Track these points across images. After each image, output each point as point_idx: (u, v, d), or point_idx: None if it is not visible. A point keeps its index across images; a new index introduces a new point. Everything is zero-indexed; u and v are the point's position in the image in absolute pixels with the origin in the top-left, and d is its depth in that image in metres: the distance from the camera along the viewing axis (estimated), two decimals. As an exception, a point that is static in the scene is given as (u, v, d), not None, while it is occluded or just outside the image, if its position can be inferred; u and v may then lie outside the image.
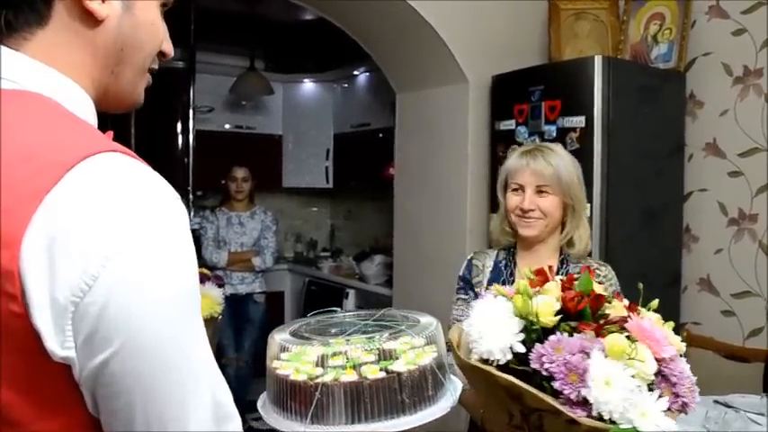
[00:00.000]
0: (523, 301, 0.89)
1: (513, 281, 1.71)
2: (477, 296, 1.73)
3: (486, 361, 0.89)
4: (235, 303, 3.59)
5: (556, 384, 0.83)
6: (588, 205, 2.11)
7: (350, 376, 0.80)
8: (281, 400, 0.83)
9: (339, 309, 1.00)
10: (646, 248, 2.67)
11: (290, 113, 5.06)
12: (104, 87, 0.70)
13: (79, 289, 0.54)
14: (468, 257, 1.82)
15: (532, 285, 0.96)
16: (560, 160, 1.67)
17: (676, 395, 0.87)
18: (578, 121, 2.49)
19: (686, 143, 2.80)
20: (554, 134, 2.57)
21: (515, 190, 1.69)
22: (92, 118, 0.68)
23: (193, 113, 4.07)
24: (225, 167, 3.98)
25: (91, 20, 0.65)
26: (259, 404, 0.90)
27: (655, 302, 1.02)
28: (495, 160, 2.88)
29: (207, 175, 4.23)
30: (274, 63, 4.92)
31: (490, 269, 1.75)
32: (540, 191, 1.65)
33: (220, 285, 2.11)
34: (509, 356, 0.88)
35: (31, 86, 0.63)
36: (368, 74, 4.56)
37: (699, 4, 2.73)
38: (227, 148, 4.51)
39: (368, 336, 0.86)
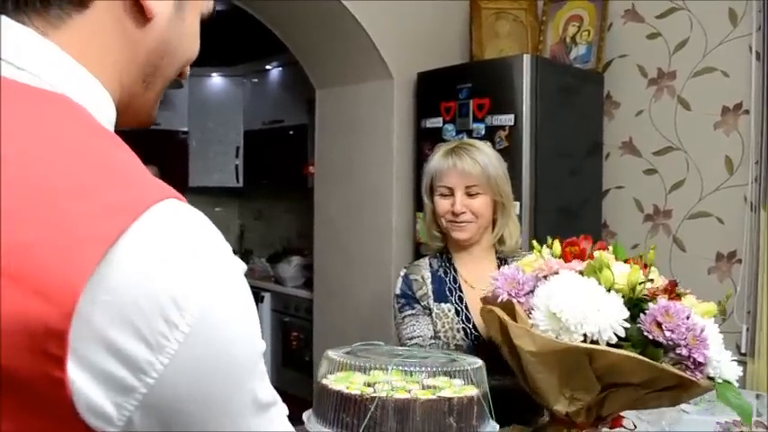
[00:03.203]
0: (633, 272, 0.92)
1: (459, 286, 1.65)
2: (427, 309, 1.64)
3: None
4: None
5: (684, 351, 0.86)
6: (516, 202, 2.10)
7: (402, 395, 0.83)
8: (331, 414, 0.85)
9: (383, 342, 1.05)
10: (566, 245, 2.73)
11: (196, 109, 4.80)
12: (129, 99, 0.57)
13: (151, 368, 0.44)
14: (402, 274, 1.71)
15: (567, 257, 0.96)
16: (486, 157, 1.61)
17: None
18: (507, 119, 2.50)
19: (604, 142, 2.89)
20: (483, 132, 2.57)
21: (444, 194, 1.62)
22: None
23: (92, 107, 3.77)
24: (128, 166, 3.71)
25: (140, 15, 0.53)
26: (305, 417, 0.92)
27: (651, 254, 1.06)
28: (421, 158, 2.84)
29: (108, 174, 3.94)
30: (179, 55, 4.66)
31: (429, 280, 1.66)
32: (469, 192, 1.59)
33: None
34: (622, 333, 0.89)
35: (60, 86, 0.50)
36: (281, 68, 4.41)
37: (615, 6, 2.82)
38: (128, 145, 4.19)
39: (407, 370, 0.90)
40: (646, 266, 0.98)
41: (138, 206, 0.45)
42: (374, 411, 0.80)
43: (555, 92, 2.61)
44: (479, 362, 0.93)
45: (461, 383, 0.87)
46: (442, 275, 1.66)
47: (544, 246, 1.18)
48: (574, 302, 0.90)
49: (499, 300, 1.03)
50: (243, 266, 0.52)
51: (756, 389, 2.23)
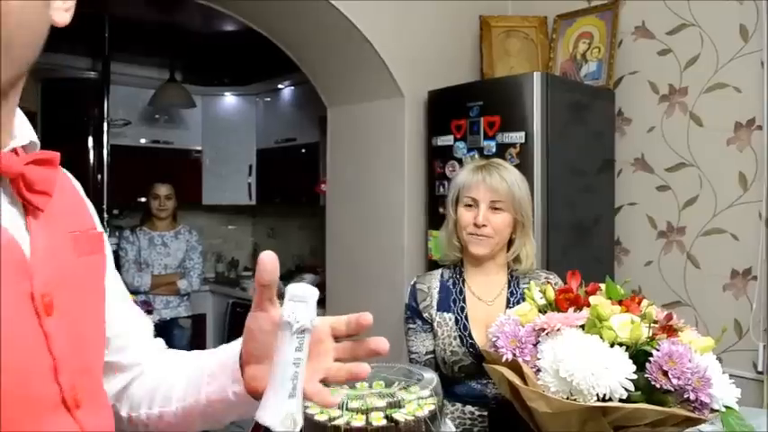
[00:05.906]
0: (635, 327, 0.92)
1: (464, 298, 1.69)
2: (427, 323, 1.69)
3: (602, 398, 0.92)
4: (159, 330, 3.32)
5: (691, 396, 0.87)
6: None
7: (359, 422, 0.97)
8: None
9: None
10: (579, 261, 2.71)
11: (210, 128, 4.86)
12: None
13: None
14: (412, 282, 1.77)
15: (562, 305, 0.95)
16: (513, 176, 1.68)
17: None
18: (518, 136, 2.50)
19: (615, 158, 2.89)
20: (494, 150, 2.57)
21: (469, 205, 1.67)
22: None
23: (107, 127, 3.82)
24: (141, 184, 3.76)
25: None
26: None
27: (651, 311, 1.04)
28: (433, 176, 2.86)
29: (122, 193, 4.01)
30: (193, 75, 4.72)
31: (437, 290, 1.72)
32: (493, 207, 1.64)
33: (149, 312, 1.95)
34: (631, 387, 0.89)
35: None
36: (293, 87, 4.46)
37: (625, 24, 2.83)
38: (143, 163, 4.26)
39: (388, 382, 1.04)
40: (639, 302, 0.98)
41: None
42: None
43: (566, 109, 2.61)
44: (433, 375, 1.11)
45: (428, 393, 1.03)
46: (451, 286, 1.72)
47: (536, 290, 1.19)
48: (583, 365, 0.91)
49: (504, 359, 1.05)
50: None
51: (774, 408, 2.19)
